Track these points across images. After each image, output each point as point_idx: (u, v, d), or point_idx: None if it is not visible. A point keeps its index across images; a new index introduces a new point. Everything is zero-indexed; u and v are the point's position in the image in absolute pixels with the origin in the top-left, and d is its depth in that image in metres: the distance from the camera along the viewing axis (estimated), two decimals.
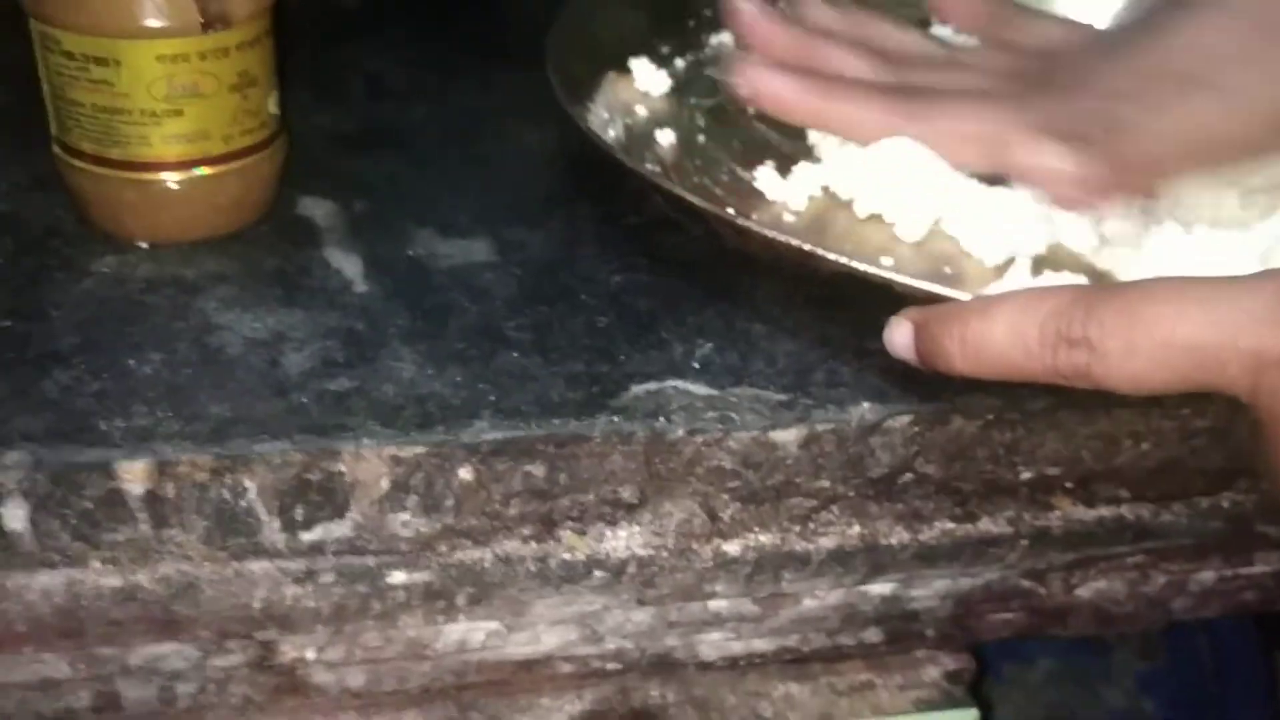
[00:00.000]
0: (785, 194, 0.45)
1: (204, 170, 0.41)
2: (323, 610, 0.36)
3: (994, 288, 0.38)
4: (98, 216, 0.42)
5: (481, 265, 0.43)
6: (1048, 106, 0.44)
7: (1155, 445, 0.39)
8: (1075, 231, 0.42)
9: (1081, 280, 0.39)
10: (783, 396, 0.37)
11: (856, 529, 0.39)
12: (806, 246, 0.38)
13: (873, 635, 0.42)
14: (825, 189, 0.45)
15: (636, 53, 0.52)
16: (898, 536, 0.39)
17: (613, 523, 0.37)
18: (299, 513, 0.35)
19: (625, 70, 0.51)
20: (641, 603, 0.38)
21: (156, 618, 0.35)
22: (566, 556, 0.37)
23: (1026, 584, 0.42)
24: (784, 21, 0.49)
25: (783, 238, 0.38)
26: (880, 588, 0.40)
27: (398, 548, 0.36)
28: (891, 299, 0.37)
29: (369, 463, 0.35)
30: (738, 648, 0.41)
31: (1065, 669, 0.72)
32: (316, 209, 0.46)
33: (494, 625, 0.38)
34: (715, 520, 0.38)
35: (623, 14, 0.54)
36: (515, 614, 0.38)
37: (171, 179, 0.41)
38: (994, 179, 0.43)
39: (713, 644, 0.41)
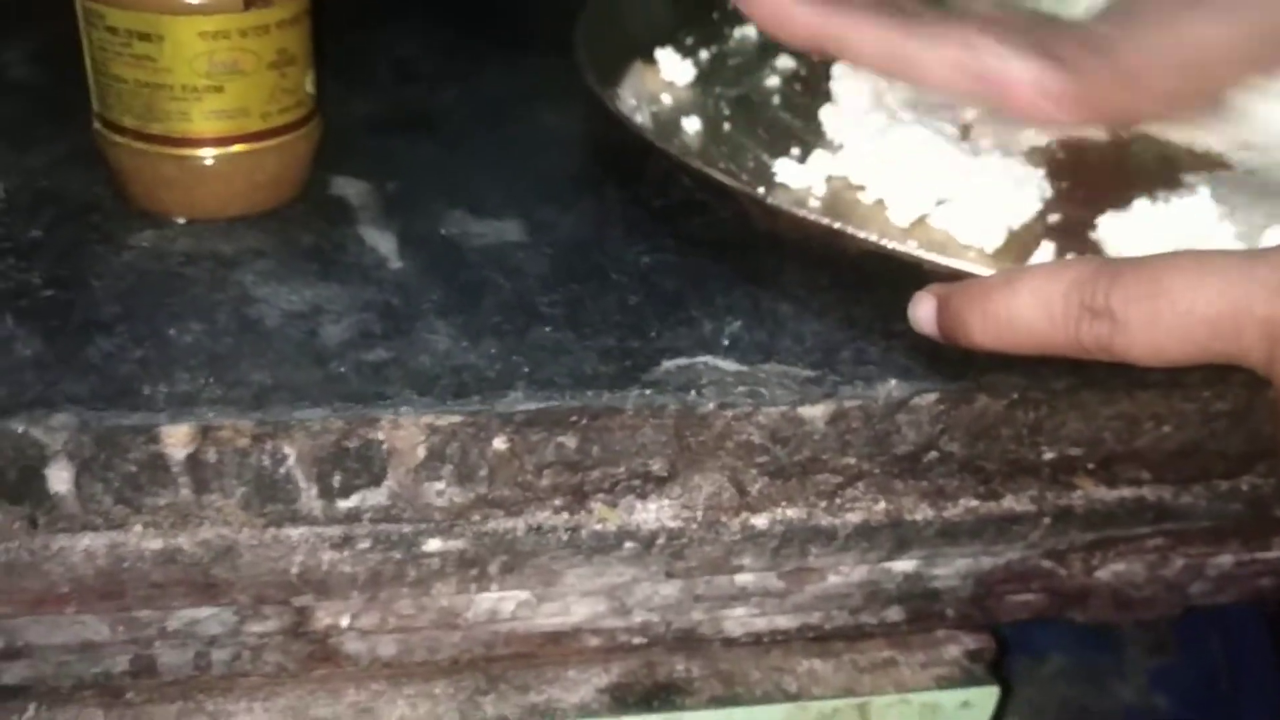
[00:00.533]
0: (805, 180, 0.45)
1: (242, 147, 0.42)
2: (358, 576, 0.37)
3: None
4: (137, 192, 0.43)
5: (513, 244, 0.43)
6: (1036, 33, 0.44)
7: (1176, 427, 0.40)
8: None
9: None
10: (811, 373, 0.38)
11: (882, 505, 0.39)
12: (836, 225, 0.38)
13: (894, 614, 0.43)
14: (841, 176, 0.45)
15: (662, 43, 0.53)
16: (922, 513, 0.39)
17: (643, 495, 0.38)
18: (337, 480, 0.36)
19: (651, 60, 0.52)
20: (670, 575, 0.39)
21: (196, 581, 0.36)
22: (598, 527, 0.37)
23: (1047, 564, 0.42)
24: None
25: (812, 216, 0.39)
26: (903, 565, 0.41)
27: (432, 516, 0.37)
28: (918, 283, 0.37)
29: (406, 431, 0.35)
30: (761, 624, 0.42)
31: (1078, 664, 0.72)
32: (350, 188, 0.46)
33: (525, 595, 0.39)
34: (744, 494, 0.38)
35: (649, 6, 0.55)
36: (546, 584, 0.38)
37: (210, 155, 0.42)
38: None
39: (737, 620, 0.41)
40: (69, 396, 0.34)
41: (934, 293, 0.36)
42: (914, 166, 0.43)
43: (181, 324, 0.38)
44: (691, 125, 0.49)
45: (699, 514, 0.38)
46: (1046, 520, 0.41)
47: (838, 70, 0.49)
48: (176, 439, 0.34)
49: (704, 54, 0.54)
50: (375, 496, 0.36)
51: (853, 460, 0.38)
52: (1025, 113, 0.43)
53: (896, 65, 0.45)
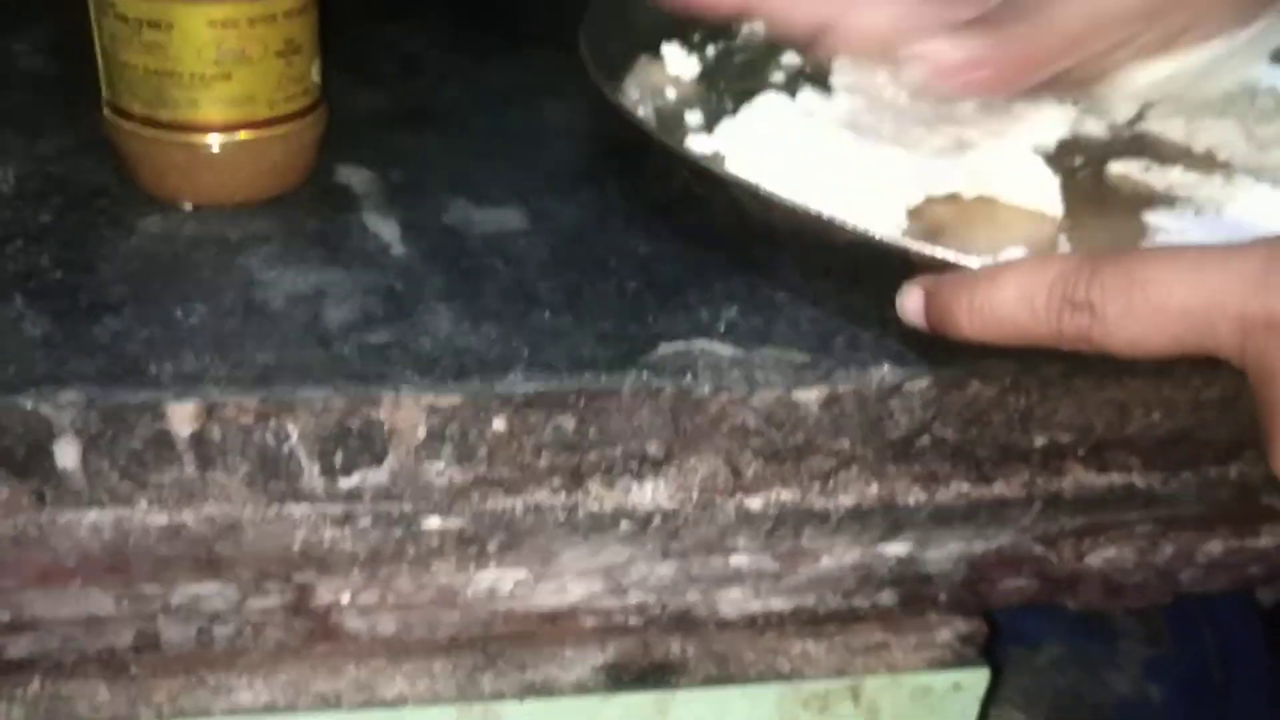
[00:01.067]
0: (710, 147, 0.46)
1: (249, 134, 0.43)
2: (359, 553, 0.37)
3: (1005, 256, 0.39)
4: (144, 177, 0.44)
5: (514, 233, 0.44)
6: (961, 11, 0.45)
7: (1166, 415, 0.41)
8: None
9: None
10: (805, 358, 0.38)
11: (874, 488, 0.40)
12: (826, 215, 0.39)
13: (887, 598, 0.43)
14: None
15: (669, 38, 0.53)
16: (914, 496, 0.40)
17: (639, 476, 0.38)
18: (338, 458, 0.36)
19: (657, 55, 0.53)
20: (665, 555, 0.40)
21: (199, 557, 0.37)
22: (594, 508, 0.38)
23: (1038, 550, 0.43)
24: None
25: (804, 206, 0.40)
26: (896, 548, 0.41)
27: (432, 495, 0.37)
28: (912, 272, 0.38)
29: (407, 411, 0.36)
30: (756, 606, 0.42)
31: (1072, 654, 0.73)
32: (354, 177, 0.47)
33: (522, 574, 0.39)
34: (738, 476, 0.39)
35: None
36: (543, 563, 0.39)
37: (218, 141, 0.42)
38: None
39: (732, 601, 0.42)
40: (77, 374, 0.35)
41: (921, 285, 0.37)
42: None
43: (188, 305, 0.38)
44: (694, 119, 0.49)
45: (694, 495, 0.39)
46: (1037, 505, 0.41)
47: (838, 65, 0.49)
48: (182, 417, 0.35)
49: (710, 50, 0.55)
50: (376, 475, 0.37)
51: (846, 444, 0.39)
52: (954, 89, 0.44)
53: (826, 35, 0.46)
